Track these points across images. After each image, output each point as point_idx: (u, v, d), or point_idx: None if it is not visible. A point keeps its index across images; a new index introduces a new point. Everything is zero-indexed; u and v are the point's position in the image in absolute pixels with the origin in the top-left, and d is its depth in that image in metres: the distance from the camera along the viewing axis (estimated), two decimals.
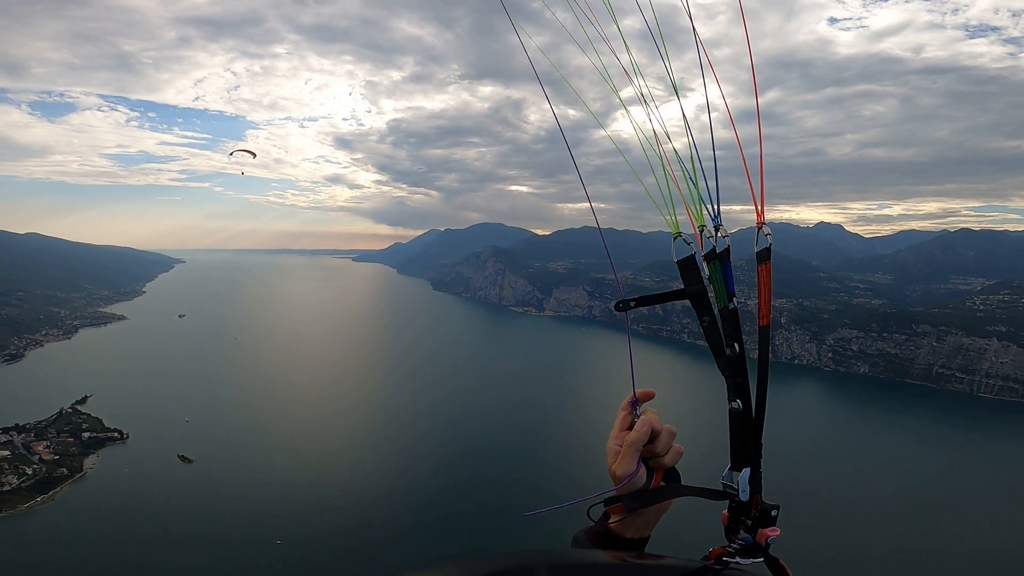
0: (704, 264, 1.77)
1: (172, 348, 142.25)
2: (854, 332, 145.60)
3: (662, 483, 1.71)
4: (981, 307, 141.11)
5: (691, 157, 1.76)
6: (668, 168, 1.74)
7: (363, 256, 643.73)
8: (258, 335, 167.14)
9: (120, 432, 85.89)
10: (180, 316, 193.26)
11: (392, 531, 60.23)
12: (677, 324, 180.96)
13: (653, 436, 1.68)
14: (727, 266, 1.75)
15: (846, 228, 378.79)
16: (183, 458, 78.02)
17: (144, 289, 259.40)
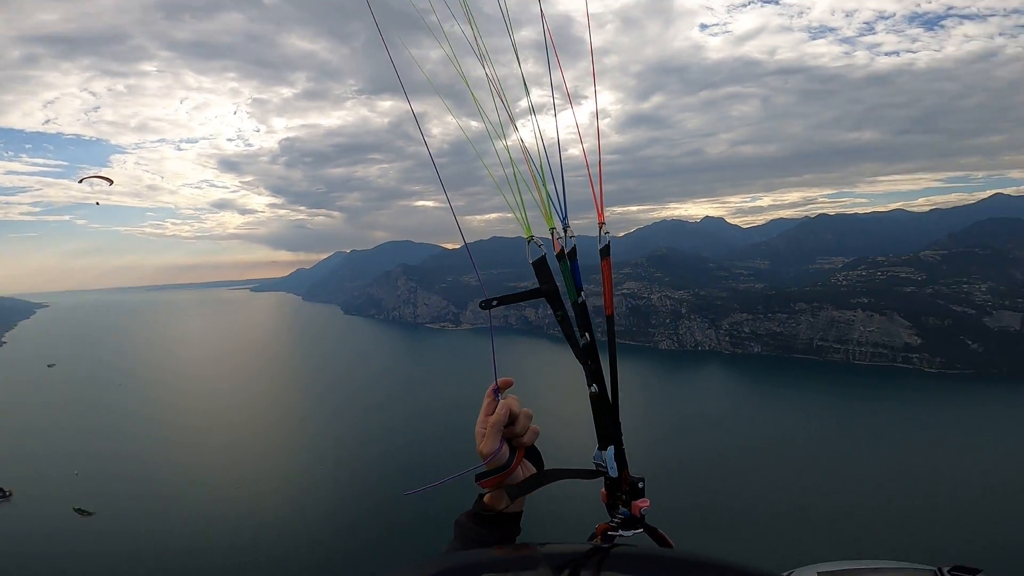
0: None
1: (46, 401, 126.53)
2: (744, 315, 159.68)
3: (524, 460, 1.89)
4: (844, 283, 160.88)
5: (539, 164, 1.87)
6: (519, 173, 1.83)
7: (263, 286, 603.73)
8: (146, 380, 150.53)
9: (2, 489, 77.16)
10: (50, 366, 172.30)
11: (310, 562, 56.93)
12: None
13: (513, 419, 1.84)
14: (575, 264, 1.86)
15: (727, 220, 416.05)
16: (80, 511, 70.68)
17: (3, 339, 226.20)
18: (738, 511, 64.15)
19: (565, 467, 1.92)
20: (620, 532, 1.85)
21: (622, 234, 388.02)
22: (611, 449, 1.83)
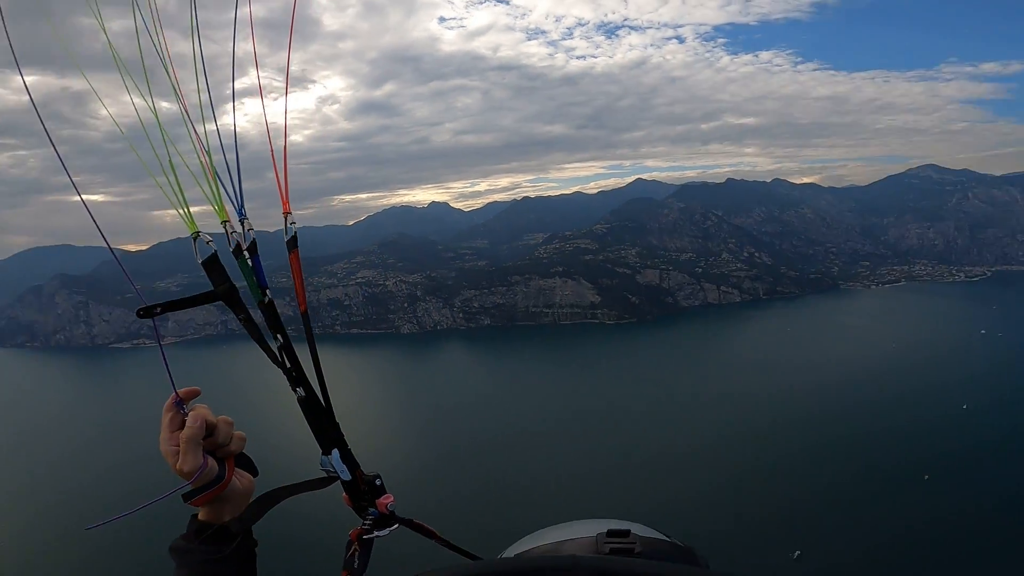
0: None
1: None
2: (473, 292, 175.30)
3: (237, 469, 1.75)
4: (544, 255, 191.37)
5: (213, 148, 1.67)
6: (182, 160, 1.64)
7: None
8: None
9: None
10: None
11: None
12: (327, 317, 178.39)
13: (211, 429, 1.68)
14: (257, 259, 1.70)
15: (451, 205, 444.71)
16: None
17: None
18: (491, 483, 66.30)
19: (293, 482, 1.81)
20: (376, 533, 1.82)
21: (352, 222, 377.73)
22: (336, 452, 1.76)
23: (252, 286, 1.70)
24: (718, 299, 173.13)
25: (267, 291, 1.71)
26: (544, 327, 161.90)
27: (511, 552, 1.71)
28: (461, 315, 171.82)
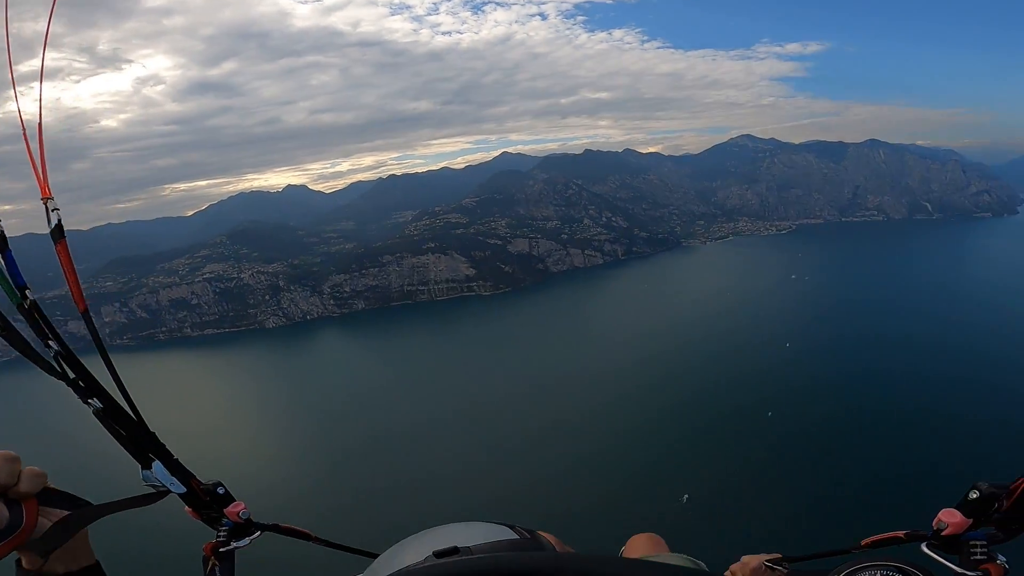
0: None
1: None
2: (342, 276, 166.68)
3: (46, 508, 1.43)
4: (415, 232, 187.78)
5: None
6: None
7: None
8: None
9: None
10: None
11: None
12: (172, 320, 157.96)
13: None
14: (9, 255, 1.38)
15: (310, 187, 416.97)
16: None
17: None
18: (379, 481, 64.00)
19: (110, 500, 1.54)
20: (234, 544, 1.70)
21: (191, 212, 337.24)
22: (158, 465, 1.55)
23: (7, 288, 1.38)
24: (584, 263, 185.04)
25: (27, 290, 1.40)
26: (422, 304, 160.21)
27: (389, 556, 1.58)
28: (332, 302, 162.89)
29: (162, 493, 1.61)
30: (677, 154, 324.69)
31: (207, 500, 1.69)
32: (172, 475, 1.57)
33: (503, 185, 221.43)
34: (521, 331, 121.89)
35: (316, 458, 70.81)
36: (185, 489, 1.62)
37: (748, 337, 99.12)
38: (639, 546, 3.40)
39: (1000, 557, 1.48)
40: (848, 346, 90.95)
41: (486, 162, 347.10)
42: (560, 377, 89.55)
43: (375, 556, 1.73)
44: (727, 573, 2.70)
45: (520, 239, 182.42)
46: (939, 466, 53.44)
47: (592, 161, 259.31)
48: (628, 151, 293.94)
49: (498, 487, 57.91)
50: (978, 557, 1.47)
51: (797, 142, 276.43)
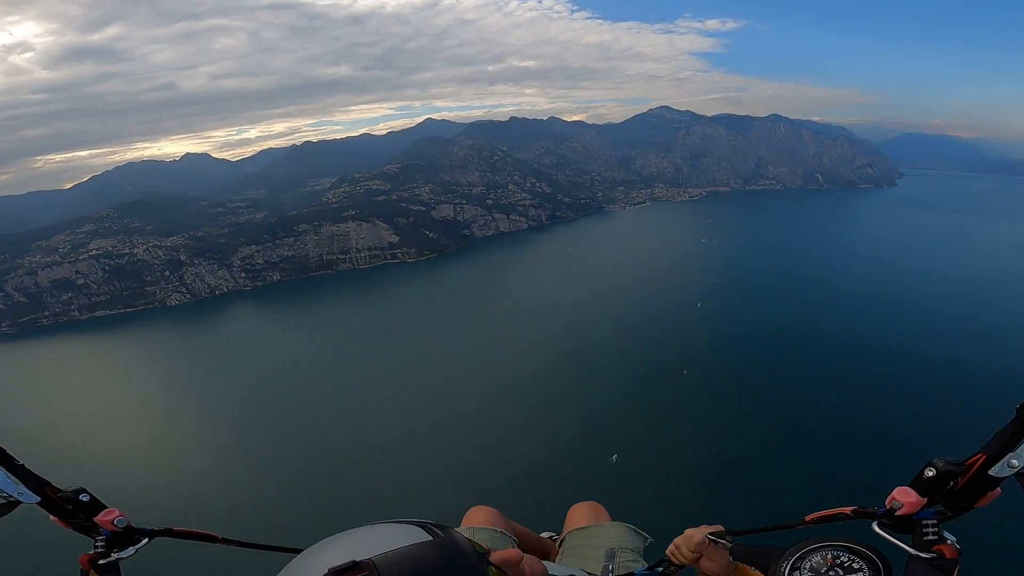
0: None
1: None
2: (254, 247, 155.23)
3: None
4: (334, 200, 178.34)
5: None
6: None
7: None
8: None
9: None
10: None
11: None
12: (56, 303, 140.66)
13: None
14: None
15: (213, 156, 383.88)
16: None
17: None
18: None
19: None
20: (116, 555, 1.50)
21: (71, 185, 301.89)
22: (2, 474, 1.41)
23: None
24: (509, 227, 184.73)
25: None
26: (343, 274, 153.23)
27: (312, 554, 1.44)
28: (243, 275, 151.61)
29: (11, 504, 1.43)
30: (600, 123, 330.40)
31: (70, 509, 1.50)
32: (20, 483, 1.41)
33: (427, 151, 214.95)
34: (445, 299, 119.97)
35: (232, 448, 64.28)
36: (39, 498, 1.45)
37: (663, 299, 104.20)
38: (581, 515, 3.45)
39: (950, 536, 1.47)
40: (753, 305, 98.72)
41: (409, 128, 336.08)
42: (485, 346, 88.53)
43: (297, 552, 1.52)
44: (671, 547, 2.65)
45: (445, 205, 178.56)
46: (835, 408, 61.57)
47: (518, 128, 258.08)
48: (553, 119, 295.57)
49: (428, 465, 55.75)
50: (930, 537, 1.45)
51: (710, 115, 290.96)
